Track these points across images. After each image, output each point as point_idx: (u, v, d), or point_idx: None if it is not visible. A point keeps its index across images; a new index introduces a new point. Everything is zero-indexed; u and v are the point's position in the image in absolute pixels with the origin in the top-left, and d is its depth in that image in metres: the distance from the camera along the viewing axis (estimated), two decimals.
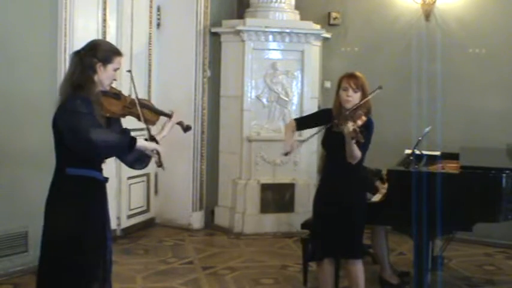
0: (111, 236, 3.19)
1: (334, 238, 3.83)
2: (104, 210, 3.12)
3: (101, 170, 3.10)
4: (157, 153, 3.07)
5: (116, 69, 3.04)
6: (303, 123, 4.10)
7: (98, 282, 3.07)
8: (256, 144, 6.26)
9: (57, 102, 2.99)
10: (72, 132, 2.84)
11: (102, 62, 2.97)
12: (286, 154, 4.00)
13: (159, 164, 3.08)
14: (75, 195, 2.99)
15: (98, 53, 2.97)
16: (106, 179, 3.13)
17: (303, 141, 4.07)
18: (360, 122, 3.66)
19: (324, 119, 3.88)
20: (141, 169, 3.27)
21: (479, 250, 5.72)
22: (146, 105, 3.24)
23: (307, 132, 4.13)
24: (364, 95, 3.76)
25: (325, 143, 3.90)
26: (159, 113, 3.26)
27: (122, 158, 3.16)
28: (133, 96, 3.15)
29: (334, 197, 3.83)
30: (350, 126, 3.53)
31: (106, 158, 3.09)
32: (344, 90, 3.77)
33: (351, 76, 3.78)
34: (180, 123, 3.32)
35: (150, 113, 3.21)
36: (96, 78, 2.97)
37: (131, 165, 3.20)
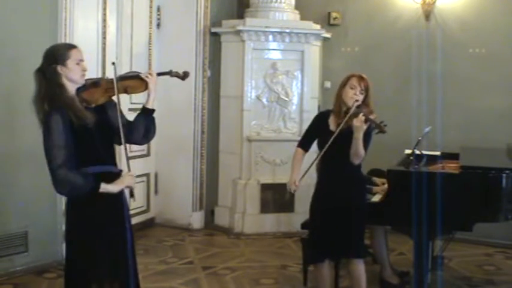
0: (130, 226, 3.20)
1: (336, 239, 3.80)
2: (122, 202, 3.14)
3: (114, 163, 3.14)
4: (131, 190, 3.08)
5: (78, 62, 3.02)
6: (307, 143, 4.01)
7: (98, 283, 3.08)
8: (256, 144, 6.26)
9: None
10: (46, 155, 2.93)
11: (61, 62, 2.98)
12: (291, 193, 4.02)
13: (131, 195, 3.09)
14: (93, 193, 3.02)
15: (53, 57, 3.00)
16: (121, 171, 3.16)
17: (302, 177, 3.92)
18: (372, 117, 3.66)
19: (323, 124, 3.87)
20: (150, 140, 3.26)
21: (479, 250, 5.72)
22: (127, 77, 3.16)
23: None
24: (367, 97, 3.77)
25: (323, 143, 3.81)
26: (140, 79, 3.12)
27: (130, 139, 3.15)
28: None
29: (334, 197, 3.80)
30: (360, 116, 3.57)
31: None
32: (352, 88, 3.75)
33: (361, 78, 3.78)
34: (171, 75, 3.22)
35: (134, 81, 3.12)
36: (64, 80, 2.99)
37: (142, 141, 3.22)
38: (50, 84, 2.97)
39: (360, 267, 3.86)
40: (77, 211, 3.07)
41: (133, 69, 4.39)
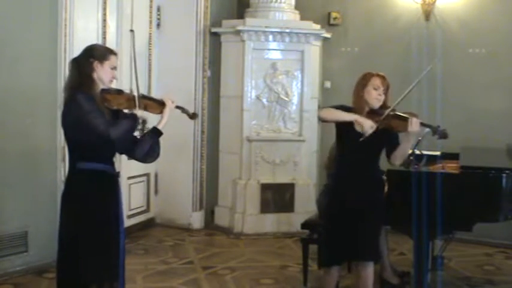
0: (123, 230, 3.23)
1: (354, 240, 3.68)
2: (116, 204, 3.18)
3: (112, 163, 3.20)
4: (144, 121, 3.28)
5: (112, 68, 3.17)
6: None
7: (97, 283, 3.09)
8: (256, 144, 6.26)
9: (62, 104, 3.15)
10: (89, 130, 2.99)
11: (99, 59, 3.12)
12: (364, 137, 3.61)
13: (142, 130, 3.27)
14: (86, 189, 3.09)
15: (94, 52, 3.14)
16: (117, 173, 3.23)
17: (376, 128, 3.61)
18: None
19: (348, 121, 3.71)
20: (153, 161, 3.38)
21: (479, 250, 5.72)
22: (148, 97, 3.36)
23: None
24: (386, 97, 3.76)
25: (346, 139, 3.72)
26: (159, 102, 3.32)
27: (132, 154, 3.26)
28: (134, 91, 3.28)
29: (356, 198, 3.68)
30: (415, 119, 3.63)
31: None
32: (375, 89, 3.70)
33: (383, 77, 3.74)
34: (183, 111, 3.39)
35: (152, 103, 3.30)
36: (95, 76, 3.12)
37: (143, 159, 3.29)
38: (82, 75, 3.09)
39: (370, 271, 3.75)
40: (72, 210, 3.09)
41: (133, 70, 4.50)
